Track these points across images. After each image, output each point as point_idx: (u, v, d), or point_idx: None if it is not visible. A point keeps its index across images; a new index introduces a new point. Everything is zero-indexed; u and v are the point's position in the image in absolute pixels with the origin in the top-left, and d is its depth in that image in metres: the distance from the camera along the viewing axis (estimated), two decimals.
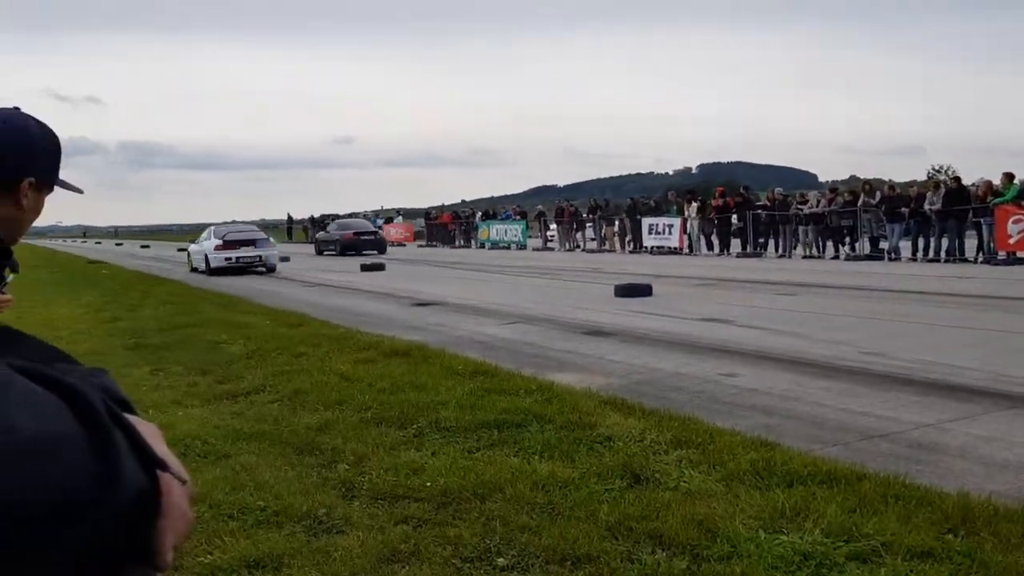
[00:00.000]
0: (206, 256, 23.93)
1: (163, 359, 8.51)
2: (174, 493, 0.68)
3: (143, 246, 64.64)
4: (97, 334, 10.86)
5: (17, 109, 1.57)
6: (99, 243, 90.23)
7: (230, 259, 23.42)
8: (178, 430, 5.34)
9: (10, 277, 2.13)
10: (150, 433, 0.70)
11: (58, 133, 1.53)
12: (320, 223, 57.30)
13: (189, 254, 26.66)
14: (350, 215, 51.19)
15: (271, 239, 26.21)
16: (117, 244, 77.79)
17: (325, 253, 34.78)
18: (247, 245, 24.05)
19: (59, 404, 0.58)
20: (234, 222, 56.06)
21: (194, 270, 25.07)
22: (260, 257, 23.91)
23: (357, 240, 33.79)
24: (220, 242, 23.96)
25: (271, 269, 23.92)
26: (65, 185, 1.65)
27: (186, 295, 16.05)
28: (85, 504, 0.57)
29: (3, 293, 2.12)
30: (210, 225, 27.68)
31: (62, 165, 1.56)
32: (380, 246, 34.01)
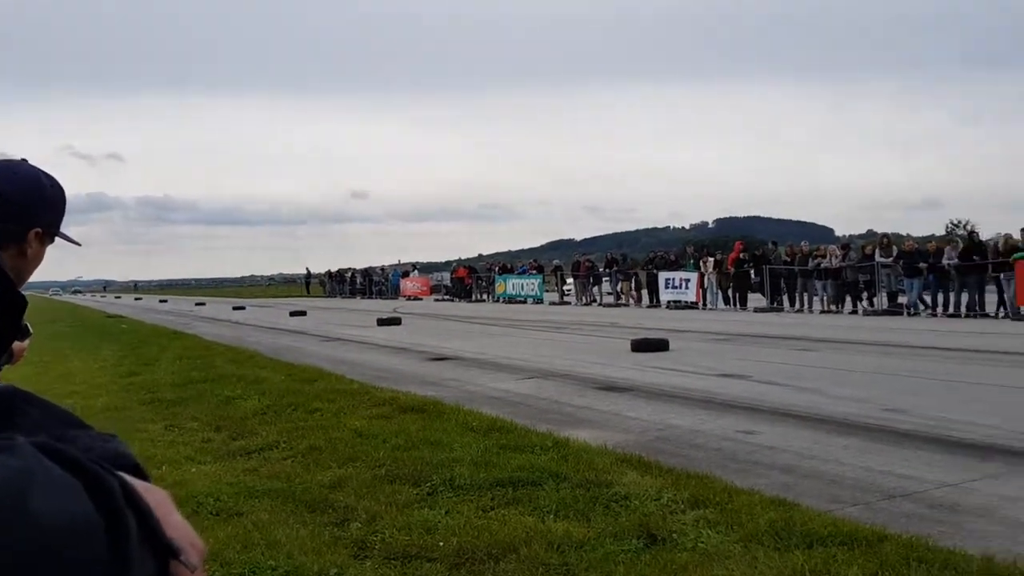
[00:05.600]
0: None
1: (178, 415, 8.51)
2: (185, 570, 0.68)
3: (161, 300, 65.14)
4: (113, 389, 10.90)
5: (24, 161, 1.60)
6: (118, 297, 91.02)
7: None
8: (191, 487, 5.32)
9: (27, 340, 2.15)
10: (160, 501, 0.70)
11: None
12: (338, 277, 57.77)
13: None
14: (367, 268, 55.70)
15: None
16: (136, 299, 78.40)
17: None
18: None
19: (77, 488, 0.59)
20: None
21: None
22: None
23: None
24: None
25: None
26: (66, 237, 1.67)
27: (202, 349, 16.11)
28: None
29: (23, 343, 2.15)
30: (226, 279, 39.58)
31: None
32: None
